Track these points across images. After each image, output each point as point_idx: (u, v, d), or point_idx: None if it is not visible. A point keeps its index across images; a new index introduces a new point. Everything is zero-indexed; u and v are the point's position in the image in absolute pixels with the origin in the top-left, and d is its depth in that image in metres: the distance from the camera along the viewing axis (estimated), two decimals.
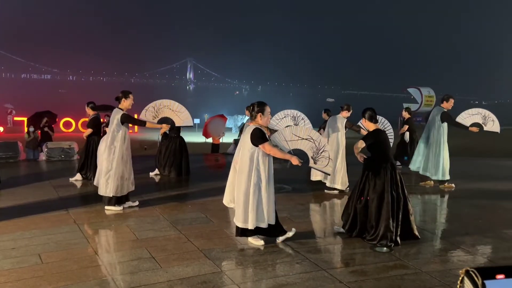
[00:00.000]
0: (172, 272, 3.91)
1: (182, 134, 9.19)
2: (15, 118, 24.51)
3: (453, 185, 7.86)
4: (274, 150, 4.45)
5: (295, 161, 4.45)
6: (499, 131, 7.74)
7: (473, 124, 7.73)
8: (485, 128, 7.70)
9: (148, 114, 6.07)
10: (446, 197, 7.47)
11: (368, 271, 4.01)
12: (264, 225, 4.51)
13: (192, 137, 21.27)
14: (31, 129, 12.22)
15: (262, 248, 4.52)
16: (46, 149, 10.90)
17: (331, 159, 4.81)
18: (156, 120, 6.08)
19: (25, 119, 17.69)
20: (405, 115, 10.70)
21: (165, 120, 6.10)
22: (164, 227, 5.30)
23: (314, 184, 7.74)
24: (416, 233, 4.84)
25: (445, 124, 7.69)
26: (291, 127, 5.06)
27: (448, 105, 7.72)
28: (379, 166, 4.76)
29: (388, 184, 4.68)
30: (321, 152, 4.77)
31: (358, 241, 4.80)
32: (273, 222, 4.57)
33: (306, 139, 4.76)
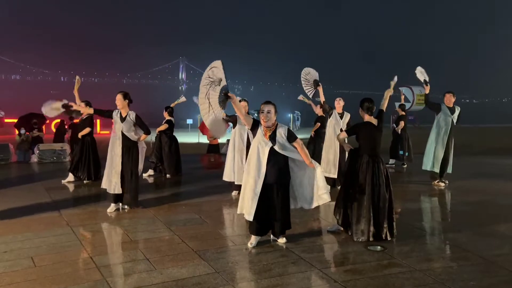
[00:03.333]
0: (166, 273, 3.89)
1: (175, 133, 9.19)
2: (6, 120, 24.23)
3: (442, 184, 7.93)
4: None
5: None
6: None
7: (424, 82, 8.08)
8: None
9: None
10: (440, 194, 7.53)
11: (362, 270, 4.02)
12: (248, 217, 4.53)
13: (185, 138, 21.21)
14: (22, 131, 12.10)
15: (250, 246, 4.54)
16: (37, 151, 10.81)
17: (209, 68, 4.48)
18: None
19: (15, 121, 17.50)
20: (399, 111, 10.89)
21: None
22: (158, 228, 5.28)
23: None
24: (394, 231, 4.86)
25: (436, 120, 7.91)
26: (202, 111, 4.63)
27: (445, 101, 7.92)
28: (363, 158, 4.81)
29: (370, 177, 4.73)
30: (210, 76, 4.40)
31: (352, 240, 4.81)
32: (250, 218, 4.50)
33: (209, 99, 4.42)
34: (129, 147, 6.05)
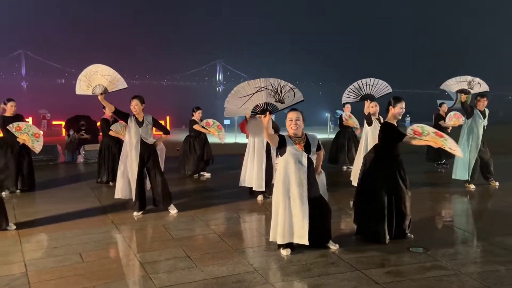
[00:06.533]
0: (207, 271, 3.97)
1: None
2: (54, 122, 25.42)
3: (472, 186, 7.64)
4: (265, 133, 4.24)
5: (265, 119, 4.21)
6: (488, 89, 7.54)
7: (460, 91, 7.49)
8: (473, 91, 7.49)
9: (82, 84, 5.82)
10: (487, 196, 7.24)
11: (404, 272, 3.94)
12: (304, 242, 4.24)
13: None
14: (71, 132, 12.65)
15: (285, 254, 4.36)
16: (83, 152, 11.26)
17: (293, 87, 4.31)
18: (90, 89, 5.85)
19: (63, 122, 18.35)
20: (443, 110, 10.51)
21: (99, 87, 5.81)
22: (199, 227, 5.40)
23: (349, 186, 7.65)
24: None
25: (466, 126, 7.60)
26: (234, 93, 4.35)
27: (477, 105, 7.56)
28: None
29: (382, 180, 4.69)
30: (282, 90, 4.23)
31: (393, 241, 4.72)
32: (306, 242, 4.23)
33: (256, 92, 4.18)
34: (149, 151, 5.91)
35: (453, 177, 7.80)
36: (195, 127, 8.83)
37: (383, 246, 4.61)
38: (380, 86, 7.01)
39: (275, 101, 4.26)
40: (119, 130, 7.62)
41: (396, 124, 4.80)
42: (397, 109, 4.75)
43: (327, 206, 4.50)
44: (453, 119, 9.67)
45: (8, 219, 5.27)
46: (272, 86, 4.25)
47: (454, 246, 4.63)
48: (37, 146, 7.26)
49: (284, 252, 4.37)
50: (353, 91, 7.23)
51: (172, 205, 6.11)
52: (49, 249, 4.60)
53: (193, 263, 4.15)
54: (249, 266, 4.07)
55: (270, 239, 4.48)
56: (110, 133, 7.81)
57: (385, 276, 3.84)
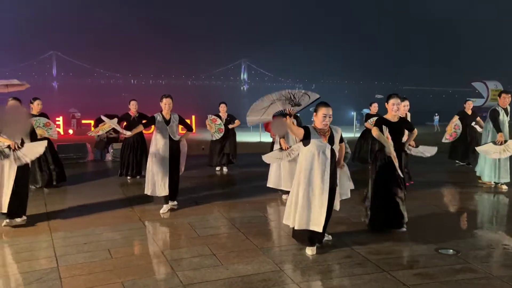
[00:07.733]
0: (232, 269, 3.98)
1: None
2: (83, 121, 26.03)
3: (505, 186, 7.38)
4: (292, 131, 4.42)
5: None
6: None
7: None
8: None
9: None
10: None
11: (433, 274, 3.85)
12: (318, 229, 4.29)
13: (247, 137, 21.48)
14: None
15: (310, 254, 4.35)
16: (111, 150, 11.50)
17: (306, 91, 4.46)
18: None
19: (92, 121, 18.75)
20: (469, 106, 10.13)
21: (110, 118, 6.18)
22: (224, 225, 5.43)
23: None
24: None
25: (488, 124, 7.35)
26: (251, 109, 4.68)
27: (500, 101, 7.27)
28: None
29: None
30: (295, 96, 4.35)
31: (422, 242, 4.62)
32: (320, 229, 4.29)
33: (271, 104, 4.41)
34: (177, 149, 6.04)
35: (485, 179, 7.59)
36: (206, 122, 9.12)
37: (411, 247, 4.53)
38: None
39: (292, 106, 4.47)
40: (105, 128, 7.99)
41: (396, 120, 4.93)
42: (390, 105, 4.91)
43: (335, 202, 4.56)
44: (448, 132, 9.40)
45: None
46: (285, 97, 4.46)
47: (486, 249, 4.50)
48: (53, 134, 7.62)
49: (310, 252, 4.35)
50: None
51: (175, 201, 6.23)
52: (79, 245, 4.71)
53: (219, 261, 4.18)
54: (274, 265, 4.06)
55: (284, 221, 4.59)
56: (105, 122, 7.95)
57: (413, 278, 3.76)
